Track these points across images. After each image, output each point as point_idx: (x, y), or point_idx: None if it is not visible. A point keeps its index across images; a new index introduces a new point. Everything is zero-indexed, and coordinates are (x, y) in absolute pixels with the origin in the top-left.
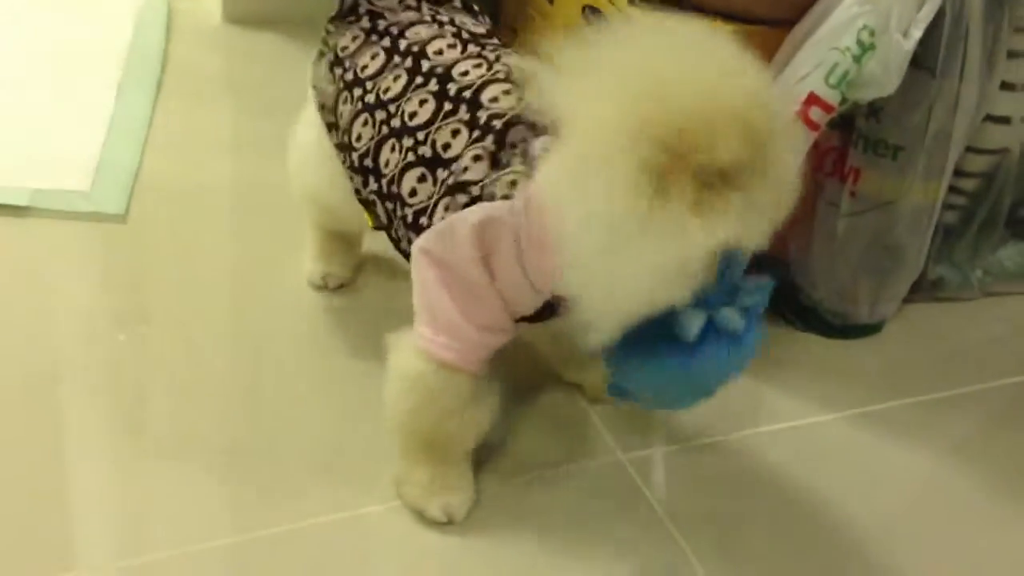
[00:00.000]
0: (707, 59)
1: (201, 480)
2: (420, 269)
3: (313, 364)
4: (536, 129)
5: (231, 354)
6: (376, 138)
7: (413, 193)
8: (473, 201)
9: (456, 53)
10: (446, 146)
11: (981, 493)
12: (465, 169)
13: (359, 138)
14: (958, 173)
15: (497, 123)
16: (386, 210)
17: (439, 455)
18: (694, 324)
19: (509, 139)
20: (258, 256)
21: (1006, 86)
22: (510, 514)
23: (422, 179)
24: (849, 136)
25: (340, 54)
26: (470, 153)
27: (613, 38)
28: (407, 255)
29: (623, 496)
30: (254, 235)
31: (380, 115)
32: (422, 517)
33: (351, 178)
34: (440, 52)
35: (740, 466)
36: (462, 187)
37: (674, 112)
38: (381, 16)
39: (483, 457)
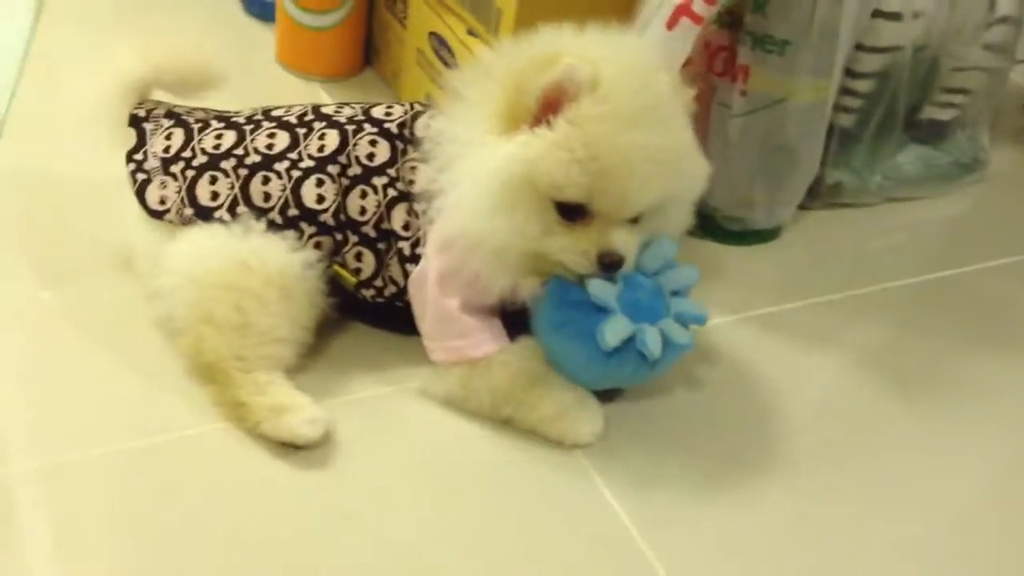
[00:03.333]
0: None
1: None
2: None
3: None
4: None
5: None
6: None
7: (407, 227)
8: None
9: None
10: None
11: (884, 393)
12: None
13: (321, 200)
14: (852, 74)
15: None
16: (377, 253)
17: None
18: (615, 335)
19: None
20: None
21: None
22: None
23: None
24: (738, 34)
25: (170, 154)
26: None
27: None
28: (396, 296)
29: None
30: None
31: (333, 169)
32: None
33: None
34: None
35: None
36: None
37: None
38: (172, 114)
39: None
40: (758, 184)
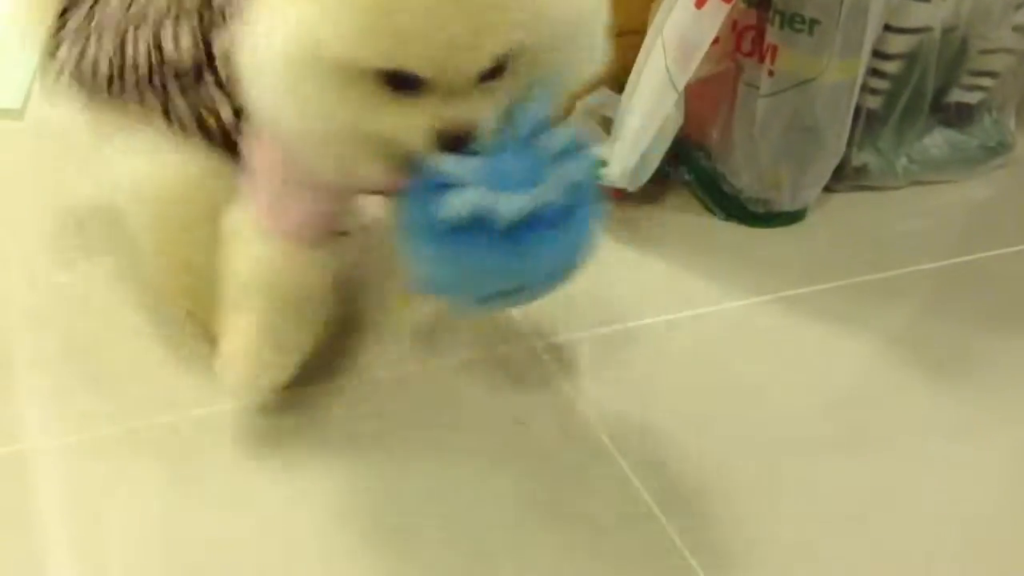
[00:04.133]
0: None
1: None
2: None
3: None
4: None
5: None
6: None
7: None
8: None
9: None
10: None
11: (907, 377)
12: None
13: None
14: (879, 55)
15: None
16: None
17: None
18: (458, 205)
19: None
20: None
21: None
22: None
23: None
24: (767, 14)
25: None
26: None
27: None
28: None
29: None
30: None
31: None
32: None
33: None
34: None
35: (657, 351)
36: None
37: None
38: None
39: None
40: (784, 165)
